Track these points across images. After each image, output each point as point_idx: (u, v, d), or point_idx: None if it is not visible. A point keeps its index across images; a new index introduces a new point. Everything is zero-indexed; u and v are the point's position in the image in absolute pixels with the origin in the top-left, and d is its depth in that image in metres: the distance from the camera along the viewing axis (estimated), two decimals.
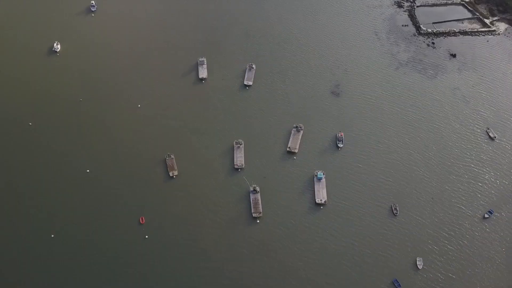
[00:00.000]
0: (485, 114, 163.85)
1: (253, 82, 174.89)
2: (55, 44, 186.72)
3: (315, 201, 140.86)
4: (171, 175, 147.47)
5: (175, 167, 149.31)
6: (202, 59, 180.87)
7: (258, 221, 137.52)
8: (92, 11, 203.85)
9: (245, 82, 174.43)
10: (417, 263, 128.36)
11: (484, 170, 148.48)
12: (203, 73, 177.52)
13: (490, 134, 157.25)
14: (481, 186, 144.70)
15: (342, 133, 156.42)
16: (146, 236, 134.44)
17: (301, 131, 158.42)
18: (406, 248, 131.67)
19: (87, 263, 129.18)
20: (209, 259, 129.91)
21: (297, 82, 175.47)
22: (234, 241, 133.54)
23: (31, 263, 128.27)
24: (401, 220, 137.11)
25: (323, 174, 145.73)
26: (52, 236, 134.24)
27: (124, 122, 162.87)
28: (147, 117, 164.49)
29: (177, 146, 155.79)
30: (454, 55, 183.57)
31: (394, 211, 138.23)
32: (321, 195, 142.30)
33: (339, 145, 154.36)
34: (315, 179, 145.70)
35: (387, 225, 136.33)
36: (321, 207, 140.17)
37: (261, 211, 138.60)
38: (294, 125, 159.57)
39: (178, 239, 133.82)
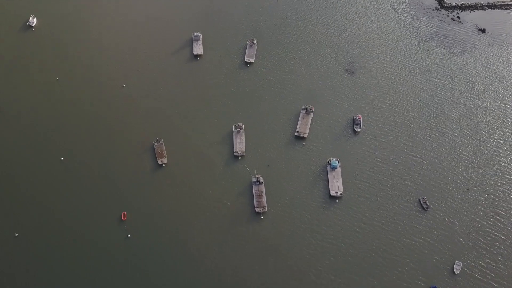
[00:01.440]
0: None
1: (255, 59, 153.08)
2: (30, 18, 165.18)
3: (329, 194, 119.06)
4: (159, 163, 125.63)
5: (165, 154, 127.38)
6: (197, 34, 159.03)
7: (262, 217, 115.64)
8: None
9: (246, 59, 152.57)
10: (455, 267, 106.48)
11: None
12: (198, 49, 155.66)
13: None
14: None
15: (360, 116, 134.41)
16: (129, 235, 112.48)
17: (311, 114, 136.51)
18: (441, 249, 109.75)
19: (54, 267, 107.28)
20: (203, 264, 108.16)
21: (305, 59, 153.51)
22: (233, 241, 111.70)
23: None
24: (433, 216, 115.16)
25: (338, 162, 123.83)
26: (16, 235, 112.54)
27: (106, 104, 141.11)
28: (133, 98, 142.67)
29: (168, 130, 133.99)
30: (483, 30, 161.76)
31: (424, 205, 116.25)
32: (336, 186, 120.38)
33: (356, 129, 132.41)
34: (328, 168, 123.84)
35: (417, 222, 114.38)
36: (337, 201, 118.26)
37: (265, 205, 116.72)
38: (303, 107, 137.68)
39: (166, 239, 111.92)
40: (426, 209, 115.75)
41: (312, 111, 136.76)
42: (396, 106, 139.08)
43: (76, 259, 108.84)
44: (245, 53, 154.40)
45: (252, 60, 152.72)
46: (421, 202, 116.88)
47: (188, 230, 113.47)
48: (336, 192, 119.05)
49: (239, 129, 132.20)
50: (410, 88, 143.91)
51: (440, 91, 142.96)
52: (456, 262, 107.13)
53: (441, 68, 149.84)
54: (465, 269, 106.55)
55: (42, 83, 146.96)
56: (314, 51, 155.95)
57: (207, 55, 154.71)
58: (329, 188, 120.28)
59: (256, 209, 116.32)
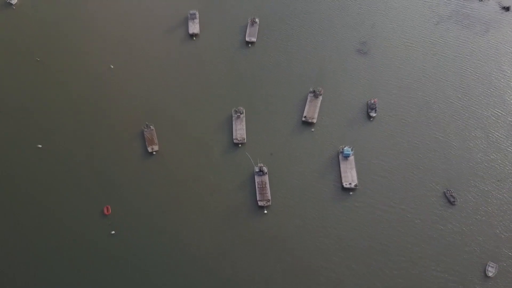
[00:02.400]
0: None
1: (257, 39, 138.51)
2: None
3: (342, 185, 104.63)
4: (150, 151, 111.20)
5: (156, 141, 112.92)
6: (193, 12, 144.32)
7: (265, 211, 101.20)
8: None
9: (247, 39, 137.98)
10: (488, 269, 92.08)
11: None
12: (194, 28, 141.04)
13: None
14: None
15: (376, 100, 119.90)
16: (112, 232, 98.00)
17: (320, 97, 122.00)
18: (473, 249, 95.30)
19: (28, 265, 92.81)
20: (199, 264, 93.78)
21: (312, 38, 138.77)
22: (233, 239, 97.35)
23: None
24: (461, 211, 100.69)
25: (351, 150, 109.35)
26: None
27: (91, 86, 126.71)
28: (122, 80, 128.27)
29: (159, 115, 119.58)
30: (507, 8, 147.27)
31: (451, 199, 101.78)
32: (350, 177, 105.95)
33: (371, 114, 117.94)
34: (340, 156, 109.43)
35: (444, 217, 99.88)
36: (350, 193, 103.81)
37: (269, 198, 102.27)
38: (311, 89, 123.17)
39: (155, 236, 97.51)
40: (454, 203, 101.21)
41: (321, 94, 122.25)
42: (415, 89, 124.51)
43: (51, 258, 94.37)
44: (245, 32, 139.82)
45: (253, 39, 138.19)
46: (447, 195, 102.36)
47: (181, 226, 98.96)
48: (350, 184, 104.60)
49: (239, 114, 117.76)
50: (431, 69, 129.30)
51: (462, 71, 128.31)
52: (490, 263, 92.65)
53: (464, 47, 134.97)
54: (500, 271, 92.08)
55: (21, 63, 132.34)
56: (322, 30, 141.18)
57: (204, 34, 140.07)
58: (341, 179, 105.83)
59: (258, 202, 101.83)
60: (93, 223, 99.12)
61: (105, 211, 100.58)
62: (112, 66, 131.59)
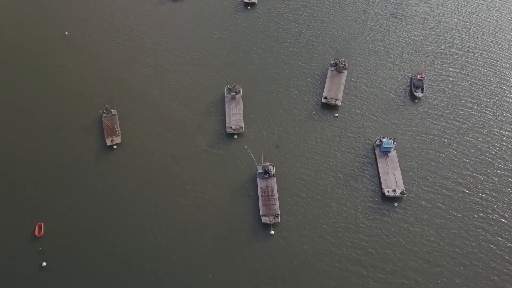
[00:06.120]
0: None
1: (258, 0, 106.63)
2: None
3: (382, 193, 72.43)
4: (109, 144, 79.19)
5: (117, 131, 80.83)
6: None
7: (272, 231, 68.90)
8: None
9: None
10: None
11: None
12: None
13: None
14: None
15: (424, 74, 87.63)
16: (44, 264, 65.55)
17: (345, 72, 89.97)
18: None
19: None
20: None
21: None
22: (223, 275, 64.89)
23: None
24: None
25: (393, 142, 77.20)
26: None
27: (36, 58, 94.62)
28: (78, 49, 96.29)
29: (125, 94, 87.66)
30: None
31: None
32: (393, 180, 73.81)
33: (416, 93, 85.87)
34: (377, 151, 77.43)
35: None
36: (395, 204, 71.59)
37: (277, 212, 70.08)
38: (332, 61, 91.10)
39: (110, 270, 65.07)
40: None
41: (345, 68, 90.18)
42: (475, 63, 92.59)
43: None
44: None
45: (254, 0, 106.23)
46: None
47: (150, 257, 66.48)
48: (394, 191, 72.36)
49: (234, 94, 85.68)
50: (491, 36, 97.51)
51: None
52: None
53: None
54: None
55: None
56: None
57: None
58: (380, 184, 73.73)
59: (262, 218, 69.61)
60: (19, 249, 66.74)
61: (37, 232, 68.23)
62: (67, 33, 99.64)
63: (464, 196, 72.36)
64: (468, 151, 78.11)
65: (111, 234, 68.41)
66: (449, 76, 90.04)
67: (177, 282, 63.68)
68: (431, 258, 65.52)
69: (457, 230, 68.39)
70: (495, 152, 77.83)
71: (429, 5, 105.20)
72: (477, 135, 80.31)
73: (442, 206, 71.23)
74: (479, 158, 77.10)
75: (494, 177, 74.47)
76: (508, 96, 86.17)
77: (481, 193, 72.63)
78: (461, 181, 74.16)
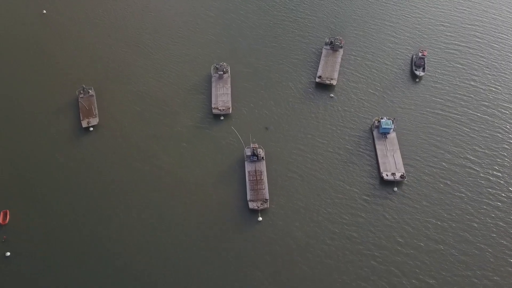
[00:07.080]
0: None
1: None
2: None
3: (380, 176, 66.44)
4: (85, 125, 73.33)
5: (95, 112, 74.84)
6: None
7: (260, 218, 62.83)
8: None
9: None
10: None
11: None
12: None
13: None
14: None
15: (426, 52, 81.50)
16: (8, 254, 59.42)
17: (340, 50, 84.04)
18: None
19: None
20: None
21: None
22: (208, 264, 58.85)
23: None
24: None
25: (392, 123, 71.22)
26: None
27: (14, 36, 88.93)
28: (56, 28, 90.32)
29: (103, 73, 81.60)
30: None
31: None
32: (392, 164, 67.88)
33: (417, 72, 79.93)
34: (375, 133, 71.56)
35: None
36: (395, 189, 65.65)
37: (266, 197, 64.07)
38: (327, 40, 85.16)
39: (82, 262, 59.00)
40: None
41: (341, 47, 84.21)
42: (480, 39, 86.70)
43: None
44: None
45: None
46: None
47: (127, 245, 60.45)
48: (394, 174, 66.39)
49: (221, 73, 79.61)
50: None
51: None
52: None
53: None
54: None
55: None
56: None
57: None
58: (379, 167, 67.78)
59: (250, 204, 63.59)
60: None
61: (1, 219, 62.12)
62: (44, 12, 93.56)
63: (470, 173, 66.43)
64: (475, 126, 72.22)
65: (84, 222, 62.38)
66: (455, 50, 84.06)
67: (155, 272, 57.64)
68: (439, 237, 59.63)
69: (466, 216, 62.43)
70: (507, 128, 72.10)
71: None
72: (483, 109, 74.43)
73: (447, 185, 65.26)
74: (488, 135, 71.24)
75: (504, 154, 68.63)
76: None
77: (490, 171, 66.74)
78: (469, 156, 68.22)
